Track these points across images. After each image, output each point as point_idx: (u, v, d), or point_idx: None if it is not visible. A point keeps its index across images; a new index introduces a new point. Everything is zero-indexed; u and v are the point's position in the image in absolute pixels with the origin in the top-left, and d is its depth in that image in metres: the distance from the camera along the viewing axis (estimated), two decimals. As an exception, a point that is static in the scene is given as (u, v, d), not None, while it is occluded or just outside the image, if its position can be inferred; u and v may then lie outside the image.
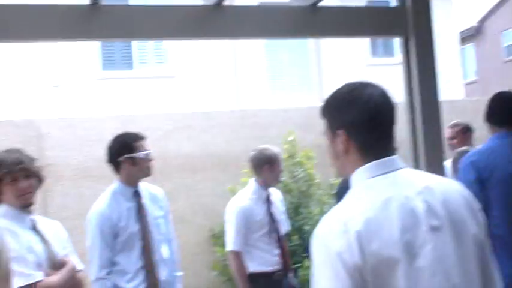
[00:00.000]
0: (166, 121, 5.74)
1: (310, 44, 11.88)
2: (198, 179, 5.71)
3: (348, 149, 1.57)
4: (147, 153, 3.49)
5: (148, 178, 5.33)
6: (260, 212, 4.10)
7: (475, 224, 1.59)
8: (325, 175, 5.70)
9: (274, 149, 4.22)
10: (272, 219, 4.14)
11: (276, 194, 4.34)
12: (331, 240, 1.42)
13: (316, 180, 5.47)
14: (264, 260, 4.06)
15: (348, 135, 1.56)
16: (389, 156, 1.57)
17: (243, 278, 4.06)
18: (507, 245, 3.09)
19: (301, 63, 12.13)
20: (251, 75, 11.14)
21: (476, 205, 1.66)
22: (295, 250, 5.07)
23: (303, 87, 11.98)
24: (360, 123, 1.55)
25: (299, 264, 4.90)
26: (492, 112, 3.37)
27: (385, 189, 1.52)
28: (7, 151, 2.84)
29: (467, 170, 3.20)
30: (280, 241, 4.16)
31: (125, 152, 3.48)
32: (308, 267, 4.87)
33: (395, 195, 1.50)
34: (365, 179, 1.55)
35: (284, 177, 5.44)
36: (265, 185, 4.16)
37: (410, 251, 1.45)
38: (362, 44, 12.01)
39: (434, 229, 1.50)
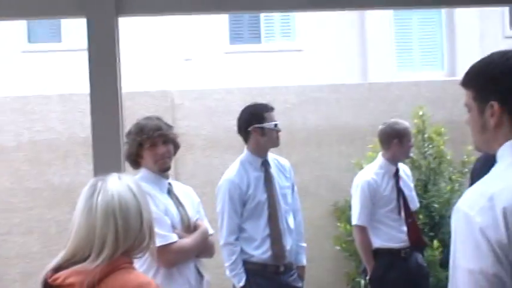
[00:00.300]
0: (292, 94, 5.79)
1: (443, 16, 11.35)
2: (323, 152, 5.72)
3: (500, 122, 1.48)
4: (275, 124, 3.56)
5: (274, 150, 5.45)
6: (387, 187, 4.04)
7: None
8: (456, 152, 5.47)
9: (405, 123, 4.13)
10: (400, 195, 4.06)
11: (406, 170, 4.26)
12: (475, 215, 1.36)
13: (447, 157, 5.27)
14: (390, 236, 4.01)
15: (502, 108, 1.47)
16: None
17: (367, 253, 4.05)
18: None
19: (431, 36, 11.63)
20: (379, 48, 10.86)
21: None
22: (422, 229, 4.94)
23: (434, 61, 11.50)
24: (507, 95, 1.47)
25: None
26: None
27: None
28: (147, 118, 3.04)
29: None
30: (409, 218, 4.07)
31: (255, 122, 3.59)
32: (436, 248, 4.74)
33: None
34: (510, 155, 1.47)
35: (412, 154, 5.29)
36: (393, 159, 4.08)
37: None
38: (499, 14, 11.25)
39: None
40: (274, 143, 3.64)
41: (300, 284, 3.70)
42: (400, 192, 4.06)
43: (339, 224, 5.27)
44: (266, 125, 3.59)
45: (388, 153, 4.10)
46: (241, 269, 3.52)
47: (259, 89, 5.79)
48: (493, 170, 1.49)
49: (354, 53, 10.82)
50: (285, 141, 5.62)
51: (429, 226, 5.04)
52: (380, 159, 4.15)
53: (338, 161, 5.68)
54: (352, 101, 5.81)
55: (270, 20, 11.04)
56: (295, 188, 3.86)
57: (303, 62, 10.53)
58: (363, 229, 4.05)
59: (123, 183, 1.80)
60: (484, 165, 3.78)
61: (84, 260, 1.72)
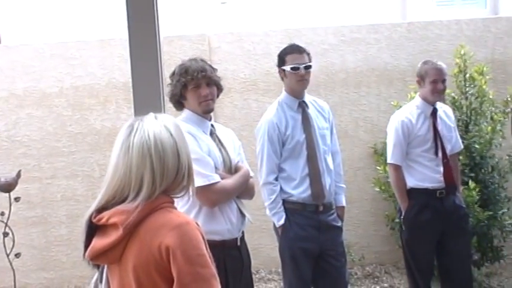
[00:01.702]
0: (330, 35, 5.70)
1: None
2: (362, 93, 5.67)
3: None
4: (293, 67, 3.53)
5: (312, 91, 5.45)
6: (422, 127, 4.00)
7: None
8: (498, 92, 5.35)
9: (433, 63, 4.04)
10: (437, 135, 4.02)
11: (446, 110, 4.20)
12: None
13: (489, 97, 5.16)
14: (425, 176, 3.99)
15: None
16: None
17: (401, 192, 4.07)
18: None
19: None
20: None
21: None
22: (462, 170, 4.91)
23: (475, 0, 11.07)
24: None
25: (465, 186, 4.76)
26: None
27: None
28: (192, 60, 3.06)
29: None
30: (445, 159, 4.04)
31: (280, 64, 3.62)
32: (473, 188, 4.72)
33: None
34: None
35: (453, 93, 5.21)
36: (426, 99, 4.03)
37: None
38: None
39: None
40: (294, 85, 3.62)
41: (339, 224, 3.75)
42: (436, 132, 4.01)
43: (377, 166, 5.27)
44: (284, 67, 3.58)
45: (421, 92, 4.07)
46: (280, 208, 3.58)
47: (297, 30, 5.73)
48: None
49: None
50: (323, 82, 5.62)
51: (469, 167, 4.98)
52: (417, 99, 4.12)
53: (377, 102, 5.64)
54: (391, 41, 5.70)
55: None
56: (334, 129, 3.87)
57: (341, 2, 10.29)
58: (396, 168, 4.06)
59: (159, 123, 1.81)
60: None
61: (125, 200, 1.75)
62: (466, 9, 10.29)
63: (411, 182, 4.04)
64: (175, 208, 1.85)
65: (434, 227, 4.01)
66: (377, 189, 5.23)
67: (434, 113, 4.04)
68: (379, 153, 5.44)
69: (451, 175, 4.03)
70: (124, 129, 1.83)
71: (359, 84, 5.65)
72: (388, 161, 4.13)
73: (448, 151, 4.07)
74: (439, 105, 4.17)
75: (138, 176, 1.74)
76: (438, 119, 4.05)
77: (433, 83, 3.96)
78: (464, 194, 4.73)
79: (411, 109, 4.09)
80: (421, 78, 4.04)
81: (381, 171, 5.13)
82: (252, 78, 5.63)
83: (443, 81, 4.01)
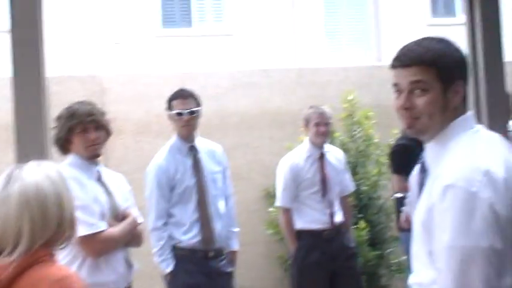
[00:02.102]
0: (224, 79, 5.78)
1: (369, 2, 11.59)
2: (255, 136, 5.76)
3: (459, 102, 1.55)
4: (177, 113, 3.53)
5: (206, 134, 5.43)
6: (310, 170, 4.10)
7: None
8: (383, 135, 5.64)
9: (317, 108, 4.17)
10: (324, 178, 4.11)
11: (336, 154, 4.32)
12: (479, 191, 1.34)
13: (374, 140, 5.42)
14: (313, 218, 4.09)
15: (464, 87, 1.56)
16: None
17: (290, 234, 4.14)
18: None
19: (359, 21, 11.87)
20: (309, 33, 10.99)
21: None
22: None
23: (361, 46, 11.75)
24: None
25: (355, 226, 4.92)
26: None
27: (491, 138, 1.55)
28: (79, 103, 2.95)
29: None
30: (328, 200, 4.11)
31: (168, 109, 3.61)
32: (363, 228, 4.88)
33: (502, 144, 1.53)
34: (469, 128, 1.54)
35: (341, 137, 5.42)
36: (313, 143, 4.15)
37: None
38: (422, 2, 11.62)
39: None
40: (179, 130, 3.62)
41: (229, 269, 3.72)
42: (324, 175, 4.12)
43: (271, 208, 5.33)
44: (171, 112, 3.59)
45: (309, 136, 4.20)
46: (169, 255, 3.51)
47: (191, 74, 5.76)
48: (465, 144, 1.50)
49: (284, 36, 10.89)
50: (217, 125, 5.64)
51: (358, 208, 5.18)
52: (306, 142, 4.24)
53: (270, 145, 5.74)
54: (282, 86, 5.87)
55: (201, 3, 10.94)
56: (228, 173, 3.86)
57: (234, 47, 10.51)
58: (285, 210, 4.15)
59: (40, 171, 1.71)
60: (405, 147, 3.94)
61: (0, 253, 1.63)
62: (354, 56, 10.90)
63: (300, 224, 4.12)
64: (57, 261, 1.75)
65: (323, 268, 4.08)
66: (270, 231, 5.28)
67: (322, 156, 4.15)
68: (272, 195, 5.49)
69: (332, 218, 4.12)
70: (2, 179, 1.71)
71: (252, 127, 5.74)
72: (277, 203, 4.21)
73: (336, 193, 4.18)
74: (329, 148, 4.32)
75: (16, 228, 1.63)
76: (326, 162, 4.17)
77: (316, 125, 4.11)
78: (354, 234, 4.89)
79: (300, 152, 4.20)
80: (306, 123, 4.19)
81: (273, 213, 5.19)
82: (145, 120, 5.56)
83: (326, 124, 4.14)
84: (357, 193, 5.16)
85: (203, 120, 5.51)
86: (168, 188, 3.55)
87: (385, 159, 5.33)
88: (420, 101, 1.51)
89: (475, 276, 1.32)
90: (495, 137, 1.58)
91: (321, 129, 4.10)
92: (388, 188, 5.39)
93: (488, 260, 1.32)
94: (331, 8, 11.61)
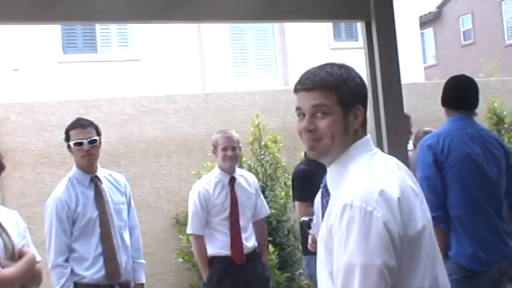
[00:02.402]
0: (130, 105, 5.66)
1: (274, 28, 11.85)
2: (163, 163, 5.67)
3: (358, 126, 1.60)
4: (76, 143, 3.41)
5: (111, 162, 5.29)
6: (220, 196, 4.08)
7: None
8: (290, 158, 5.72)
9: (224, 132, 4.15)
10: (233, 203, 4.10)
11: (248, 178, 4.31)
12: (375, 210, 1.40)
13: (282, 163, 5.49)
14: (223, 243, 4.04)
15: (363, 112, 1.61)
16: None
17: (202, 261, 4.08)
18: (466, 225, 3.16)
19: (265, 47, 12.10)
20: (216, 59, 11.06)
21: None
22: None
23: (268, 71, 11.97)
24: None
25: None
26: (447, 95, 3.44)
27: (386, 160, 1.61)
28: None
29: (424, 152, 3.26)
30: (235, 226, 4.07)
31: (66, 140, 3.48)
32: (273, 252, 4.91)
33: (396, 166, 1.60)
34: (366, 151, 1.59)
35: (250, 161, 5.46)
36: (222, 168, 4.13)
37: (422, 221, 1.51)
38: (325, 27, 12.04)
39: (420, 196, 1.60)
40: (79, 161, 3.46)
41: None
42: (234, 200, 4.10)
43: (180, 235, 5.24)
44: (70, 143, 3.45)
45: (218, 162, 4.17)
46: None
47: (94, 101, 5.59)
48: (360, 165, 1.55)
49: (192, 63, 10.90)
50: (123, 153, 5.52)
51: (267, 231, 5.19)
52: (216, 168, 4.20)
53: (178, 172, 5.67)
54: (189, 111, 5.83)
55: (107, 29, 10.75)
56: (132, 202, 3.75)
57: (141, 73, 10.38)
58: (197, 237, 4.09)
59: None
60: (308, 172, 3.95)
61: None
62: (261, 81, 11.07)
63: (212, 250, 4.07)
64: None
65: None
66: (180, 259, 5.19)
67: (232, 181, 4.16)
68: (182, 223, 5.43)
69: (241, 243, 4.05)
70: None
71: (159, 154, 5.66)
72: (188, 231, 4.15)
73: (248, 218, 4.17)
74: (241, 173, 4.31)
75: None
76: (236, 187, 4.16)
77: (223, 150, 4.07)
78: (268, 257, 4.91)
79: (210, 179, 4.16)
80: (214, 148, 4.14)
81: (183, 241, 5.11)
82: (45, 151, 5.32)
83: (233, 148, 4.09)
84: (266, 216, 5.18)
85: (109, 148, 5.41)
86: (69, 222, 3.38)
87: (292, 182, 5.41)
88: (322, 124, 1.56)
89: None
90: (391, 159, 1.66)
91: (228, 153, 4.08)
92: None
93: (382, 277, 1.37)
94: (237, 35, 11.78)
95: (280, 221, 5.30)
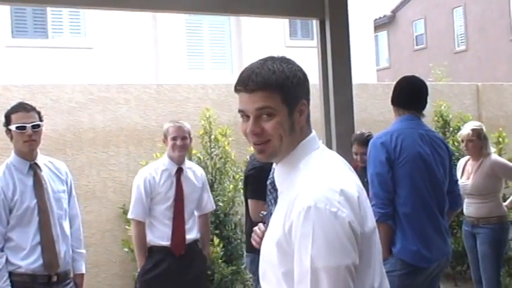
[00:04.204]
0: (79, 92, 5.55)
1: (231, 23, 11.85)
2: (111, 153, 5.58)
3: (304, 122, 1.57)
4: (18, 126, 3.28)
5: (59, 150, 5.19)
6: (165, 184, 4.05)
7: None
8: (240, 152, 5.74)
9: (175, 122, 4.14)
10: (178, 194, 4.07)
11: (197, 171, 4.29)
12: (339, 211, 1.38)
13: (231, 157, 5.50)
14: (164, 233, 4.02)
15: (308, 106, 1.58)
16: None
17: (140, 248, 4.05)
18: (413, 223, 3.24)
19: (221, 41, 12.09)
20: (171, 51, 10.98)
21: None
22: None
23: (223, 66, 11.96)
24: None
25: (210, 243, 4.93)
26: (398, 95, 3.51)
27: (335, 158, 1.59)
28: None
29: (377, 149, 3.31)
30: (182, 218, 4.06)
31: (6, 124, 3.34)
32: (218, 244, 4.91)
33: (343, 164, 1.59)
34: (315, 149, 1.57)
35: (199, 154, 5.44)
36: (171, 158, 4.10)
37: (373, 221, 1.52)
38: (281, 25, 12.11)
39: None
40: (21, 146, 3.32)
41: (75, 293, 3.53)
42: (179, 191, 4.07)
43: (127, 226, 5.18)
44: (11, 127, 3.30)
45: (167, 151, 4.15)
46: (6, 282, 3.20)
47: (42, 86, 5.44)
48: (312, 164, 1.52)
49: (146, 53, 10.78)
50: (70, 142, 5.41)
51: (214, 224, 5.20)
52: (165, 157, 4.18)
53: (126, 162, 5.60)
54: (141, 102, 5.76)
55: (59, 15, 10.51)
56: (74, 192, 3.66)
57: (94, 61, 10.20)
58: (137, 223, 4.06)
59: None
60: (261, 169, 3.94)
61: None
62: (215, 75, 11.04)
63: (151, 239, 4.04)
64: None
65: (168, 283, 3.99)
66: (126, 249, 5.13)
67: (179, 171, 4.13)
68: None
69: (177, 237, 4.03)
70: None
71: (108, 143, 5.57)
72: (129, 215, 4.11)
73: (191, 210, 4.15)
74: (190, 165, 4.28)
75: None
76: (183, 178, 4.13)
77: (173, 139, 4.05)
78: (210, 251, 4.91)
79: (157, 166, 4.13)
80: (165, 137, 4.13)
81: (130, 232, 5.05)
82: (-12, 136, 5.15)
83: (183, 138, 4.07)
84: (214, 210, 5.18)
85: (55, 135, 5.30)
86: (5, 211, 3.26)
87: (241, 176, 5.41)
88: (268, 126, 1.51)
89: None
90: (336, 155, 1.64)
91: (178, 143, 4.05)
92: (244, 204, 5.47)
93: (351, 277, 1.36)
94: (194, 27, 11.72)
95: (228, 214, 5.31)
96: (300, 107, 1.54)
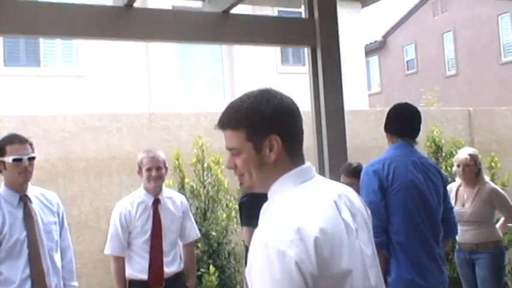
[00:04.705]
0: (71, 122, 5.53)
1: (223, 50, 11.93)
2: (104, 182, 5.55)
3: (279, 155, 1.55)
4: (15, 159, 3.25)
5: (51, 180, 5.14)
6: (142, 218, 3.97)
7: (371, 225, 1.69)
8: (233, 180, 5.71)
9: (148, 152, 4.03)
10: (156, 226, 3.99)
11: (176, 200, 4.19)
12: (287, 249, 1.37)
13: (224, 185, 5.47)
14: (142, 267, 3.94)
15: (281, 141, 1.55)
16: (305, 162, 1.60)
17: (119, 284, 3.99)
18: (407, 251, 3.22)
19: (214, 68, 12.16)
20: (163, 79, 11.03)
21: (368, 208, 1.75)
22: (201, 256, 5.05)
23: (215, 93, 12.01)
24: (290, 126, 1.57)
25: (204, 270, 4.89)
26: (392, 122, 3.51)
27: (317, 195, 1.54)
28: None
29: (370, 178, 3.30)
30: (156, 249, 3.97)
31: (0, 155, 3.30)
32: (213, 273, 4.87)
33: (328, 201, 1.52)
34: (297, 184, 1.54)
35: (192, 182, 5.41)
36: (147, 189, 4.03)
37: (352, 260, 1.47)
38: (273, 52, 12.20)
39: (357, 232, 1.55)
40: (15, 178, 3.30)
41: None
42: (156, 223, 3.98)
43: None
44: (5, 158, 3.28)
45: (143, 182, 4.07)
46: None
47: (34, 117, 5.43)
48: (284, 201, 1.52)
49: (139, 82, 10.81)
50: (62, 172, 5.38)
51: (208, 253, 5.15)
52: (141, 189, 4.06)
53: (119, 191, 5.54)
54: (133, 131, 5.74)
55: (51, 43, 10.55)
56: (66, 223, 3.62)
57: (86, 90, 10.22)
58: (115, 258, 4.00)
59: None
60: (254, 199, 3.93)
61: None
62: (208, 103, 11.06)
63: (130, 273, 3.97)
64: None
65: None
66: (118, 281, 5.06)
67: (156, 203, 4.03)
68: (121, 244, 5.31)
69: (154, 270, 3.96)
70: None
71: (100, 173, 5.53)
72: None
73: (170, 242, 4.04)
74: (170, 194, 4.17)
75: None
76: (160, 209, 4.03)
77: (148, 170, 3.95)
78: (205, 280, 4.85)
79: (133, 199, 4.04)
80: (139, 168, 4.02)
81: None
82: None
83: (158, 168, 3.97)
84: (207, 238, 5.15)
85: (47, 165, 5.27)
86: None
87: (234, 204, 5.39)
88: (238, 162, 1.59)
89: None
90: (329, 189, 1.59)
91: (153, 173, 3.96)
92: (237, 232, 5.44)
93: None
94: (186, 55, 11.79)
95: (221, 243, 5.26)
96: (269, 142, 1.54)
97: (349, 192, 1.66)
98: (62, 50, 10.77)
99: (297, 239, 1.37)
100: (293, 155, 1.57)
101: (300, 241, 1.37)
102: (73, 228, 3.90)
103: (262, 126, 1.54)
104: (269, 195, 1.59)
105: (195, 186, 5.37)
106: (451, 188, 4.92)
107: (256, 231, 1.48)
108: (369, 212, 1.72)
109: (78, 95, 9.95)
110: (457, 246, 4.96)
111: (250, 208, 3.78)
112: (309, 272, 1.36)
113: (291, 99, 1.61)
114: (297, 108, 1.61)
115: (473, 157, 4.79)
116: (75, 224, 5.15)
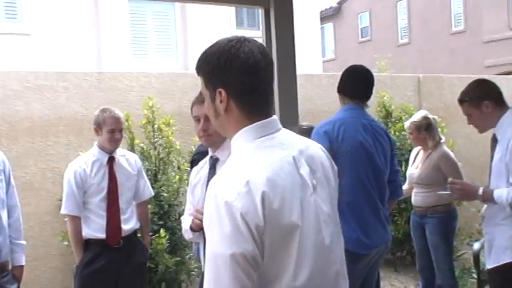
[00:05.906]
0: (14, 80, 5.31)
1: (176, 12, 11.70)
2: (50, 143, 5.40)
3: (228, 108, 1.53)
4: None
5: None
6: (97, 176, 3.92)
7: (335, 182, 1.69)
8: (185, 142, 5.65)
9: (112, 113, 3.94)
10: (112, 184, 3.95)
11: (130, 158, 4.15)
12: (234, 201, 1.38)
13: (176, 147, 5.41)
14: (99, 226, 3.90)
15: (229, 95, 1.52)
16: (270, 116, 1.57)
17: (76, 243, 3.94)
18: (356, 211, 3.27)
19: (166, 31, 11.92)
20: (114, 39, 10.73)
21: (334, 165, 1.73)
22: (151, 218, 5.00)
23: (168, 55, 11.80)
24: (242, 82, 1.51)
25: (156, 235, 4.86)
26: (344, 83, 3.52)
27: (275, 150, 1.52)
28: None
29: (321, 138, 3.31)
30: (113, 207, 3.94)
31: None
32: (163, 236, 4.84)
33: (285, 157, 1.51)
34: (253, 139, 1.52)
35: (142, 144, 5.33)
36: (102, 148, 3.97)
37: (304, 215, 1.47)
38: (227, 14, 12.04)
39: (314, 189, 1.54)
40: None
41: (14, 286, 3.41)
42: (112, 181, 3.94)
43: (66, 218, 5.03)
44: None
45: (99, 140, 4.00)
46: None
47: (-26, 74, 5.20)
48: (237, 155, 1.53)
49: (88, 41, 10.50)
50: (5, 131, 5.20)
51: (159, 215, 5.12)
52: (94, 147, 4.02)
53: (66, 152, 5.42)
54: (80, 90, 5.58)
55: (-6, -1, 10.10)
56: (12, 181, 3.53)
57: (31, 48, 9.86)
58: (73, 218, 3.94)
59: None
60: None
61: None
62: (160, 63, 10.87)
63: (87, 233, 3.92)
64: None
65: (106, 277, 3.90)
66: (65, 242, 4.98)
67: (111, 161, 3.98)
68: (68, 206, 5.21)
69: (118, 226, 3.94)
70: None
71: (46, 133, 5.38)
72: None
73: (127, 199, 4.02)
74: (123, 152, 4.14)
75: None
76: (116, 167, 3.99)
77: (111, 132, 3.90)
78: (155, 242, 4.82)
79: (87, 158, 3.98)
80: (98, 126, 3.93)
81: (69, 225, 4.90)
82: None
83: (121, 130, 3.97)
84: (158, 200, 5.10)
85: (-11, 125, 5.07)
86: None
87: (186, 166, 5.34)
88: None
89: (228, 281, 1.37)
90: (285, 145, 1.56)
91: (116, 136, 3.93)
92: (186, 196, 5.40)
93: (238, 266, 1.36)
94: (137, 16, 11.51)
95: (172, 205, 5.23)
96: (217, 94, 1.53)
97: (314, 148, 1.65)
98: (4, 7, 10.34)
99: (245, 192, 1.39)
100: (250, 110, 1.54)
101: (247, 194, 1.39)
102: (18, 189, 3.78)
103: (213, 77, 1.54)
104: (231, 149, 1.58)
105: (145, 148, 5.29)
106: (414, 152, 5.03)
107: (210, 183, 1.48)
108: (335, 168, 1.71)
109: (23, 53, 9.60)
110: (413, 210, 5.06)
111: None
112: (254, 224, 1.37)
113: (262, 54, 1.53)
114: (264, 63, 1.54)
115: (414, 125, 4.86)
116: (21, 185, 4.98)
